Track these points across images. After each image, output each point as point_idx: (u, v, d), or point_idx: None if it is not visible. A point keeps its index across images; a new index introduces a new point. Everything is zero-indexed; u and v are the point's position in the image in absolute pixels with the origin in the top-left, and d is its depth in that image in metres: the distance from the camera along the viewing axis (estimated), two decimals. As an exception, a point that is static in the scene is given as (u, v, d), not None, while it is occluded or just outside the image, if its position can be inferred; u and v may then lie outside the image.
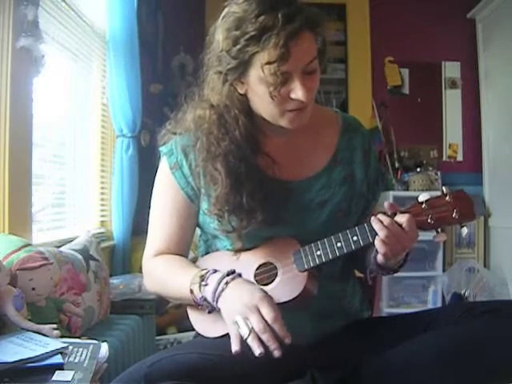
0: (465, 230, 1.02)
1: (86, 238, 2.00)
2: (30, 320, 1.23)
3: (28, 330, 1.16)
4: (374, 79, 3.82)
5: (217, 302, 0.99)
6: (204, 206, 1.13)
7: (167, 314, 2.57)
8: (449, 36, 3.82)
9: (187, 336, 2.34)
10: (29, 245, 1.50)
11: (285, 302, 1.01)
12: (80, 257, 1.82)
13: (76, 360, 1.03)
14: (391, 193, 3.33)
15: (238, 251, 1.10)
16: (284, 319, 0.93)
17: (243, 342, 0.91)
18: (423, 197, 1.02)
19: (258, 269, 1.07)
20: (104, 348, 1.12)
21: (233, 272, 1.01)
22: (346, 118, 1.22)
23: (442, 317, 1.07)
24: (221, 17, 1.02)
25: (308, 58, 0.99)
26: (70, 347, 1.08)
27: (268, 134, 1.12)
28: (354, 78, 3.85)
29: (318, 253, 1.03)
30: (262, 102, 1.03)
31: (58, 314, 1.47)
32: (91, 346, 1.10)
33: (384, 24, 3.81)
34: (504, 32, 3.41)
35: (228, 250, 1.13)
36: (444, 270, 3.45)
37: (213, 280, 1.00)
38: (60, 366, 0.99)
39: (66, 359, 1.02)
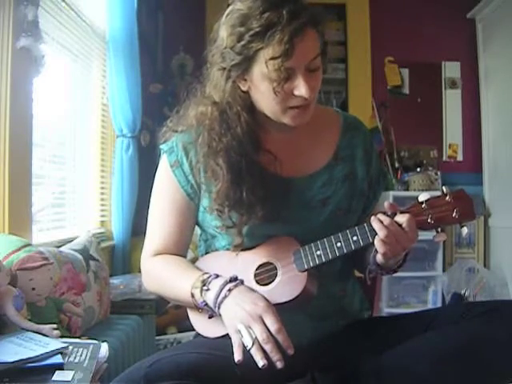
0: (465, 230, 1.02)
1: (86, 238, 2.00)
2: (29, 320, 1.23)
3: (28, 330, 1.16)
4: (374, 79, 3.82)
5: (219, 308, 0.99)
6: (205, 203, 1.13)
7: (167, 314, 2.58)
8: (449, 36, 3.82)
9: (187, 336, 2.35)
10: (29, 245, 1.50)
11: (285, 302, 1.01)
12: (80, 257, 1.82)
13: (76, 360, 1.03)
14: (391, 193, 3.32)
15: (237, 247, 1.09)
16: (284, 319, 0.93)
17: (245, 351, 0.91)
18: (423, 197, 1.02)
19: (257, 269, 1.07)
20: (104, 348, 1.12)
21: (235, 279, 1.01)
22: (347, 117, 1.23)
23: (441, 317, 1.07)
24: (225, 14, 1.03)
25: (312, 54, 0.99)
26: (70, 347, 1.07)
27: (270, 131, 1.12)
28: (354, 77, 3.85)
29: (318, 253, 1.03)
30: (265, 99, 1.03)
31: (58, 314, 1.47)
32: (91, 346, 1.10)
33: (384, 24, 3.81)
34: (504, 32, 3.41)
35: (228, 249, 1.13)
36: (444, 270, 3.45)
37: (215, 285, 1.00)
38: (60, 366, 0.99)
39: (66, 359, 1.02)
